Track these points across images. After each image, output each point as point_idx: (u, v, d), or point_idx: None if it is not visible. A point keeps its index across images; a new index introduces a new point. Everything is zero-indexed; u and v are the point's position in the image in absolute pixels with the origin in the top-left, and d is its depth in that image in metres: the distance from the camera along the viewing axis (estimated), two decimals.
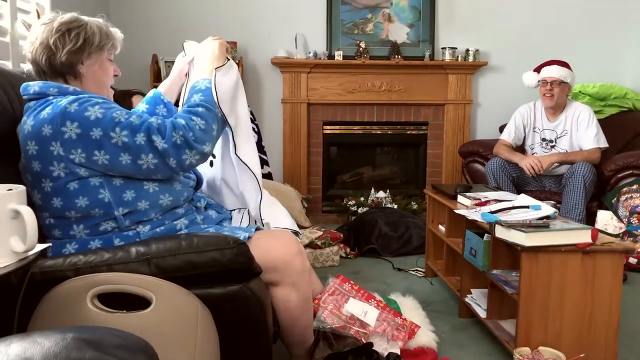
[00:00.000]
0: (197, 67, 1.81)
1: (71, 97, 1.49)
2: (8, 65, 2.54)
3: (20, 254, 1.05)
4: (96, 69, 1.60)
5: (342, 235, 3.43)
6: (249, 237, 1.57)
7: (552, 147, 3.54)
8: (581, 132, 3.45)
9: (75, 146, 1.45)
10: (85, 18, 1.60)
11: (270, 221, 1.85)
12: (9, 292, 1.21)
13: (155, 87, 4.06)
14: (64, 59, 1.54)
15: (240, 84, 1.80)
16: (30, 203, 1.51)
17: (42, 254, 1.14)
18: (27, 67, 1.61)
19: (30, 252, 1.08)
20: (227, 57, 1.79)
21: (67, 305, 1.30)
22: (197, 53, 1.83)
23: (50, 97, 1.52)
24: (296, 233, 1.85)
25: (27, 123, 1.49)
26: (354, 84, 4.30)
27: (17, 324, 1.22)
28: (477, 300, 2.35)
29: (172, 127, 1.51)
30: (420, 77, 4.32)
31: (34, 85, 1.54)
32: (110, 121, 1.46)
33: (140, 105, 1.89)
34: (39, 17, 2.89)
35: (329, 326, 1.84)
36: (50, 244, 1.47)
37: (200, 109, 1.58)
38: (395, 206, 4.08)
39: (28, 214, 1.04)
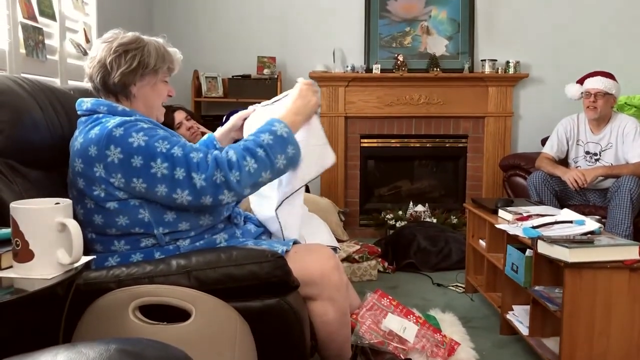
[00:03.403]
0: (283, 105, 1.72)
1: (118, 120, 1.51)
2: (57, 82, 2.64)
3: (66, 265, 1.09)
4: (147, 91, 1.63)
5: (379, 250, 3.41)
6: (287, 251, 1.58)
7: (597, 160, 3.44)
8: (627, 145, 3.35)
9: (116, 170, 1.47)
10: (146, 39, 1.63)
11: (308, 237, 1.85)
12: (55, 303, 1.25)
13: (197, 102, 4.14)
14: (117, 80, 1.58)
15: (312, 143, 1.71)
16: (74, 217, 1.56)
17: (86, 266, 1.17)
18: (86, 80, 1.66)
19: (76, 264, 1.11)
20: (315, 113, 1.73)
21: (110, 317, 1.33)
22: (289, 95, 1.74)
23: (100, 115, 1.56)
24: (334, 249, 1.84)
25: (78, 140, 1.54)
26: (392, 97, 4.29)
27: (62, 333, 1.25)
28: (519, 317, 2.29)
29: (214, 165, 1.47)
30: (459, 90, 4.28)
31: (87, 102, 1.59)
32: (152, 151, 1.46)
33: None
34: (86, 36, 3.00)
35: (367, 341, 1.83)
36: (95, 257, 1.52)
37: (260, 152, 1.51)
38: (435, 220, 4.04)
39: (74, 227, 1.07)
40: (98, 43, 1.63)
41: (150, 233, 1.54)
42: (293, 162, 1.59)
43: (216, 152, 1.52)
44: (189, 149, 1.50)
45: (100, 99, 1.61)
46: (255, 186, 1.54)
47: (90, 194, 1.51)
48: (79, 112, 1.62)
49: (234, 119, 1.90)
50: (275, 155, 1.53)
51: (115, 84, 1.59)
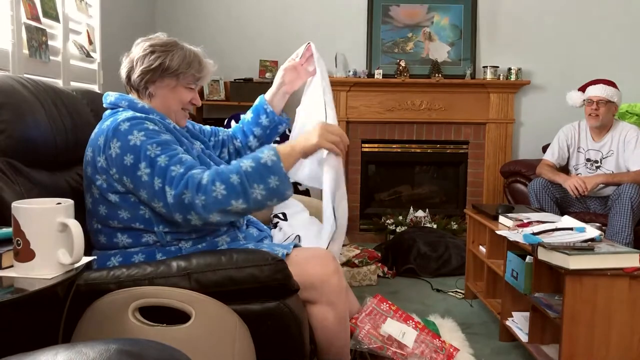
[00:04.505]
0: (297, 134, 1.69)
1: (130, 114, 1.54)
2: (59, 83, 2.64)
3: (66, 266, 1.09)
4: (166, 93, 1.64)
5: (379, 254, 3.40)
6: (287, 254, 1.58)
7: (598, 167, 3.44)
8: (628, 153, 3.35)
9: (112, 164, 1.50)
10: (181, 45, 1.66)
11: (310, 242, 1.84)
12: (55, 303, 1.25)
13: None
14: (136, 76, 1.62)
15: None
16: (83, 206, 1.59)
17: (87, 266, 1.17)
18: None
19: (77, 265, 1.11)
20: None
21: (110, 317, 1.33)
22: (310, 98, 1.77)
23: (121, 109, 1.60)
24: None
25: (94, 131, 1.58)
26: (394, 102, 4.29)
27: (62, 333, 1.25)
28: (519, 324, 2.29)
29: (185, 184, 1.41)
30: (461, 96, 4.29)
31: (112, 96, 1.64)
32: (142, 153, 1.46)
33: (248, 113, 1.92)
34: (89, 38, 3.01)
35: (366, 346, 1.82)
36: (95, 257, 1.52)
37: (234, 178, 1.42)
38: (435, 226, 4.04)
39: (75, 227, 1.07)
40: (139, 41, 1.68)
41: (151, 230, 1.55)
42: (277, 194, 1.46)
43: (195, 171, 1.44)
44: (175, 161, 1.45)
45: (124, 94, 1.65)
46: (226, 213, 1.43)
47: (95, 182, 1.54)
48: (104, 105, 1.66)
49: (281, 72, 1.91)
50: (252, 184, 1.43)
51: (135, 80, 1.63)
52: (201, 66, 1.68)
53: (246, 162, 1.46)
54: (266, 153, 1.47)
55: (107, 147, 1.50)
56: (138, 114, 1.55)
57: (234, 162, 1.50)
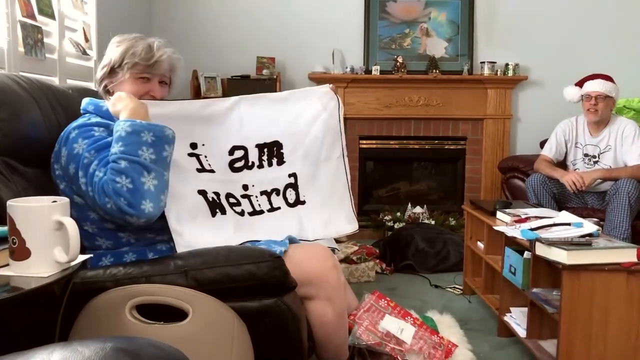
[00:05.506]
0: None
1: (81, 121, 1.54)
2: (55, 81, 2.63)
3: (63, 264, 1.08)
4: (119, 87, 1.62)
5: (377, 251, 3.40)
6: (285, 251, 1.58)
7: (595, 162, 3.44)
8: (626, 148, 3.35)
9: (64, 172, 1.50)
10: (137, 38, 1.65)
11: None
12: (51, 302, 1.25)
13: None
14: (98, 77, 1.66)
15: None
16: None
17: (83, 265, 1.17)
18: None
19: (73, 263, 1.11)
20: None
21: (107, 316, 1.33)
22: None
23: (87, 115, 1.61)
24: (333, 250, 1.84)
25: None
26: (391, 99, 4.29)
27: (59, 332, 1.25)
28: (517, 320, 2.29)
29: (102, 192, 1.37)
30: (458, 92, 4.29)
31: (83, 102, 1.64)
32: (81, 162, 1.45)
33: None
34: (85, 35, 3.00)
35: (364, 343, 1.82)
36: (92, 255, 1.51)
37: (123, 164, 1.37)
38: (433, 222, 4.04)
39: (71, 225, 1.07)
40: None
41: (124, 228, 1.52)
42: (162, 140, 1.42)
43: (105, 177, 1.38)
44: (100, 166, 1.41)
45: (95, 98, 1.66)
46: (149, 194, 1.38)
47: (59, 187, 1.54)
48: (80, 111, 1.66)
49: None
50: (137, 153, 1.38)
51: (97, 81, 1.66)
52: (150, 54, 1.60)
53: (115, 146, 1.40)
54: (119, 127, 1.42)
55: (60, 154, 1.51)
56: (88, 121, 1.54)
57: (108, 155, 1.43)
